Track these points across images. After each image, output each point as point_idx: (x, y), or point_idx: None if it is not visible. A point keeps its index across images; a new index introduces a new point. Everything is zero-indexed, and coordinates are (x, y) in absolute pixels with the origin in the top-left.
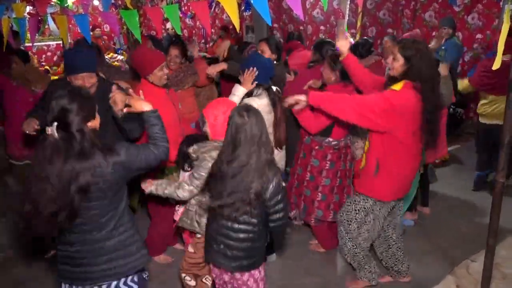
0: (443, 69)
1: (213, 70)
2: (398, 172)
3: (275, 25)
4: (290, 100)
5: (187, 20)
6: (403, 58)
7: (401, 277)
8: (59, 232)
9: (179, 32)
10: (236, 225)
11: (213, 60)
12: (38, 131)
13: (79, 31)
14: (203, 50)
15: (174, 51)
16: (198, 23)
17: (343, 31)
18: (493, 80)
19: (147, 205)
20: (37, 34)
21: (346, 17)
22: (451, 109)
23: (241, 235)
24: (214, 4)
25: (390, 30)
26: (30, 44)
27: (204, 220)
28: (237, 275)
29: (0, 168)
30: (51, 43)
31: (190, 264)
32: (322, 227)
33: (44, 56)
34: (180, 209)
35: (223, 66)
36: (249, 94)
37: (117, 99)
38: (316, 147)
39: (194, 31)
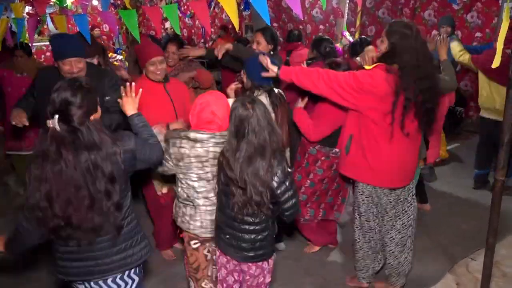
0: (441, 53)
1: (220, 51)
2: (374, 155)
3: (275, 24)
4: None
5: (186, 19)
6: (387, 41)
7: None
8: (71, 228)
9: (178, 32)
10: (243, 218)
11: (213, 60)
12: (25, 123)
13: (78, 31)
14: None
15: (171, 48)
16: (197, 22)
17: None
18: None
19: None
20: (35, 34)
21: (345, 16)
22: (451, 108)
23: (249, 227)
24: (213, 4)
25: None
26: (29, 44)
27: (197, 224)
28: (244, 266)
29: (0, 168)
30: None
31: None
32: (311, 225)
33: (43, 56)
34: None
35: (228, 46)
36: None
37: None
38: (322, 158)
39: (193, 31)
